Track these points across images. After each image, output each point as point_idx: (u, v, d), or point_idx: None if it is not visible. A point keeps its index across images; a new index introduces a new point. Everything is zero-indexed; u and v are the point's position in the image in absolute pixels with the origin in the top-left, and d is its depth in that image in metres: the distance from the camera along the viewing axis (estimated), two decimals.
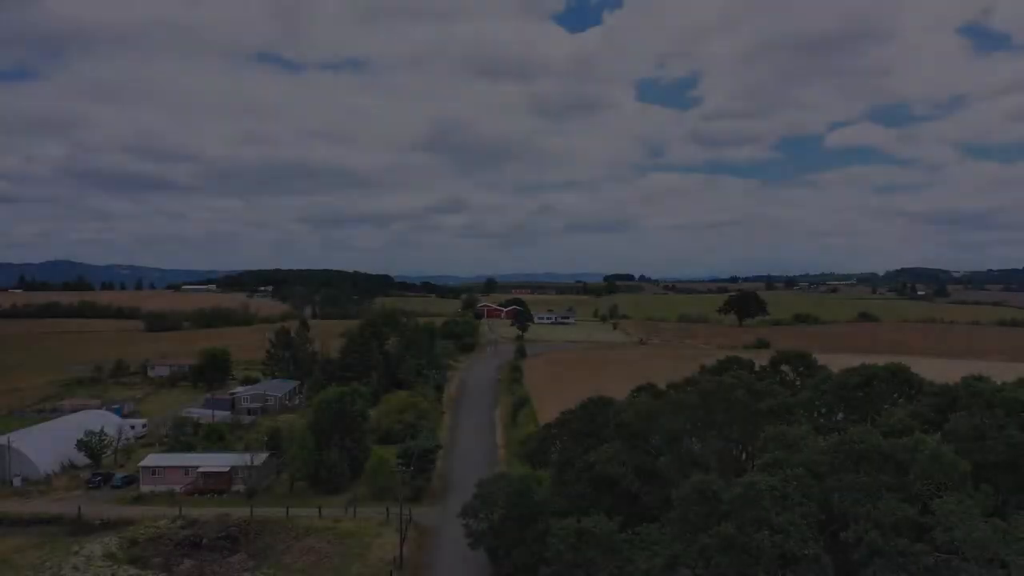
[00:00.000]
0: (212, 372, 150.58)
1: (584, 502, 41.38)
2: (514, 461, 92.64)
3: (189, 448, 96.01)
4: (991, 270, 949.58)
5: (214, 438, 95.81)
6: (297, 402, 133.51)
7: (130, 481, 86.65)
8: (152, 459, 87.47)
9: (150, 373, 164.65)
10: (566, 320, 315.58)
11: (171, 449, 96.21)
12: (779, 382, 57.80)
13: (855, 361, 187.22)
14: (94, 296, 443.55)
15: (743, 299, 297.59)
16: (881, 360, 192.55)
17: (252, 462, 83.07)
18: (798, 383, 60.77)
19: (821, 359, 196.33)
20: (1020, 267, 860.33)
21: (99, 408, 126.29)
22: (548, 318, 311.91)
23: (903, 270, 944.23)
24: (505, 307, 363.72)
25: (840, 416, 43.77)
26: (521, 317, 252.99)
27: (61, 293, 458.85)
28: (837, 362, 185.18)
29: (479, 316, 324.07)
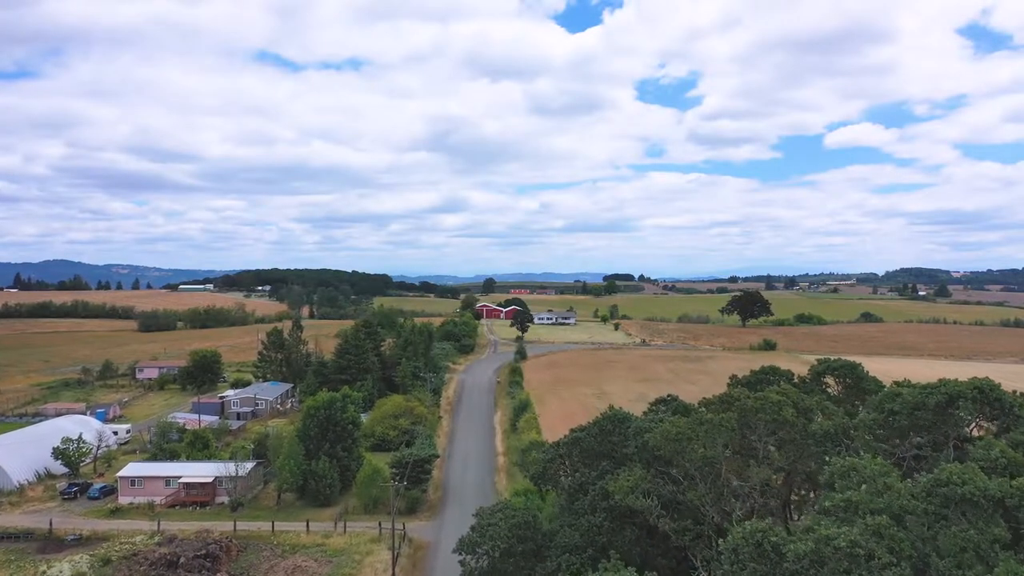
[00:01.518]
0: (202, 374, 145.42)
1: (600, 536, 35.92)
2: (515, 470, 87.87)
3: (173, 456, 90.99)
4: (991, 270, 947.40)
5: (199, 445, 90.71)
6: (289, 406, 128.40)
7: (108, 492, 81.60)
8: (131, 468, 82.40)
9: (138, 375, 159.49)
10: (567, 321, 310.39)
11: (154, 457, 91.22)
12: (828, 398, 51.05)
13: (870, 364, 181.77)
14: (89, 296, 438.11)
15: (746, 299, 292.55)
16: (895, 363, 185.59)
17: (237, 472, 78.06)
18: (844, 396, 54.66)
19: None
20: (1020, 267, 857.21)
21: (83, 412, 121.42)
22: (548, 318, 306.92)
23: (903, 270, 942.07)
24: (504, 307, 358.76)
25: (913, 443, 36.34)
26: (521, 318, 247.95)
27: (56, 293, 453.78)
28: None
29: (478, 316, 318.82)
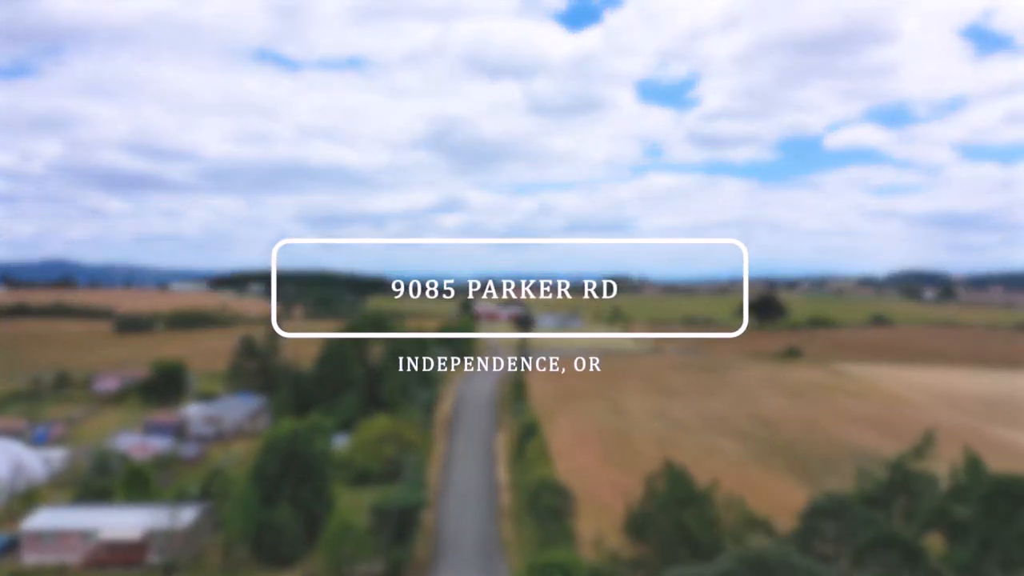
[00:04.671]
0: (165, 386, 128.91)
1: None
2: (524, 514, 71.70)
3: (104, 496, 74.73)
4: (991, 272, 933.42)
5: (137, 482, 74.28)
6: (260, 424, 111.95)
7: (15, 545, 65.27)
8: (41, 518, 65.81)
9: (96, 386, 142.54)
10: (571, 324, 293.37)
11: (80, 498, 74.82)
12: None
13: (914, 375, 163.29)
14: (76, 295, 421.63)
15: (761, 301, 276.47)
16: (936, 373, 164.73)
17: (173, 524, 61.63)
18: None
19: (858, 369, 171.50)
20: (1020, 268, 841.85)
21: (20, 431, 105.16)
22: (551, 321, 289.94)
23: (903, 271, 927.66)
24: (504, 308, 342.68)
25: None
26: (523, 321, 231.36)
27: (41, 292, 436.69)
28: (888, 375, 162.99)
29: (477, 319, 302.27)
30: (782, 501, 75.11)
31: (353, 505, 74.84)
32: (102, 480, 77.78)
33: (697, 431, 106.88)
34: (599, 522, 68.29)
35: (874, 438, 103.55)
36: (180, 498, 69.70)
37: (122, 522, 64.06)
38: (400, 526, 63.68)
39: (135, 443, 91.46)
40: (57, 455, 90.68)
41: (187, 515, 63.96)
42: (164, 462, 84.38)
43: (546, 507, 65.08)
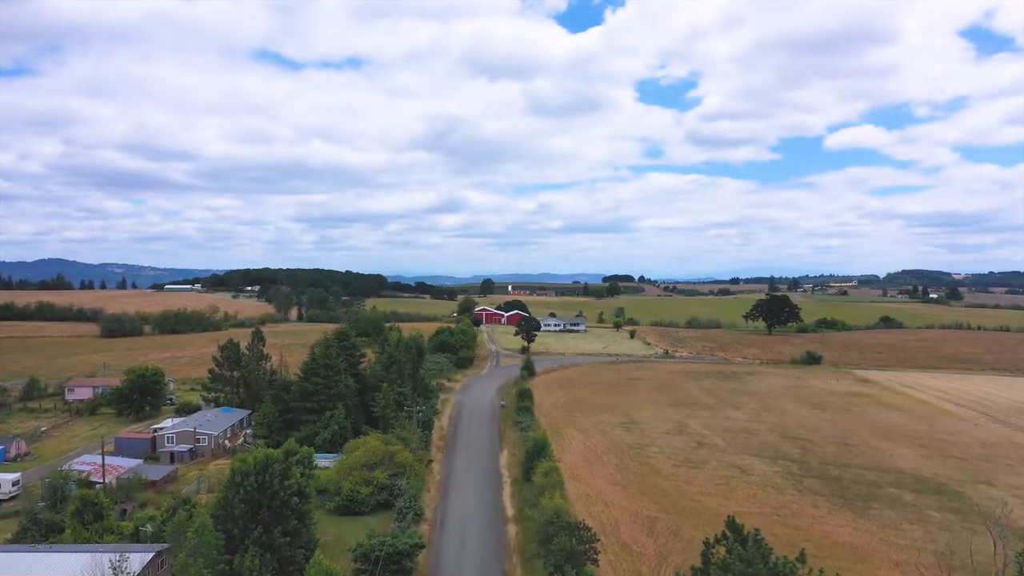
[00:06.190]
0: (140, 397, 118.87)
1: None
2: (532, 554, 61.89)
3: (54, 532, 64.88)
4: (992, 272, 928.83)
5: (90, 514, 64.29)
6: (241, 441, 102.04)
7: None
8: None
9: (68, 396, 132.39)
10: (576, 327, 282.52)
11: (24, 532, 64.91)
12: None
13: (931, 380, 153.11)
14: (67, 296, 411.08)
15: (774, 304, 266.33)
16: (969, 381, 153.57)
17: (118, 572, 51.69)
18: None
19: (883, 376, 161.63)
20: (1020, 269, 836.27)
21: None
22: (555, 325, 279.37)
23: (904, 272, 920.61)
24: (505, 310, 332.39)
25: None
26: (527, 325, 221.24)
27: (33, 293, 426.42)
28: (914, 382, 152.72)
29: (477, 322, 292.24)
30: (829, 534, 65.42)
31: (339, 539, 65.48)
32: (53, 511, 67.98)
33: (722, 449, 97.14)
34: (623, 567, 58.70)
35: (917, 457, 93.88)
36: (134, 536, 60.04)
37: (62, 569, 54.14)
38: (391, 573, 54.05)
39: (98, 464, 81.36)
40: (9, 478, 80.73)
41: (137, 560, 54.02)
42: (127, 487, 74.52)
43: (561, 549, 55.38)
